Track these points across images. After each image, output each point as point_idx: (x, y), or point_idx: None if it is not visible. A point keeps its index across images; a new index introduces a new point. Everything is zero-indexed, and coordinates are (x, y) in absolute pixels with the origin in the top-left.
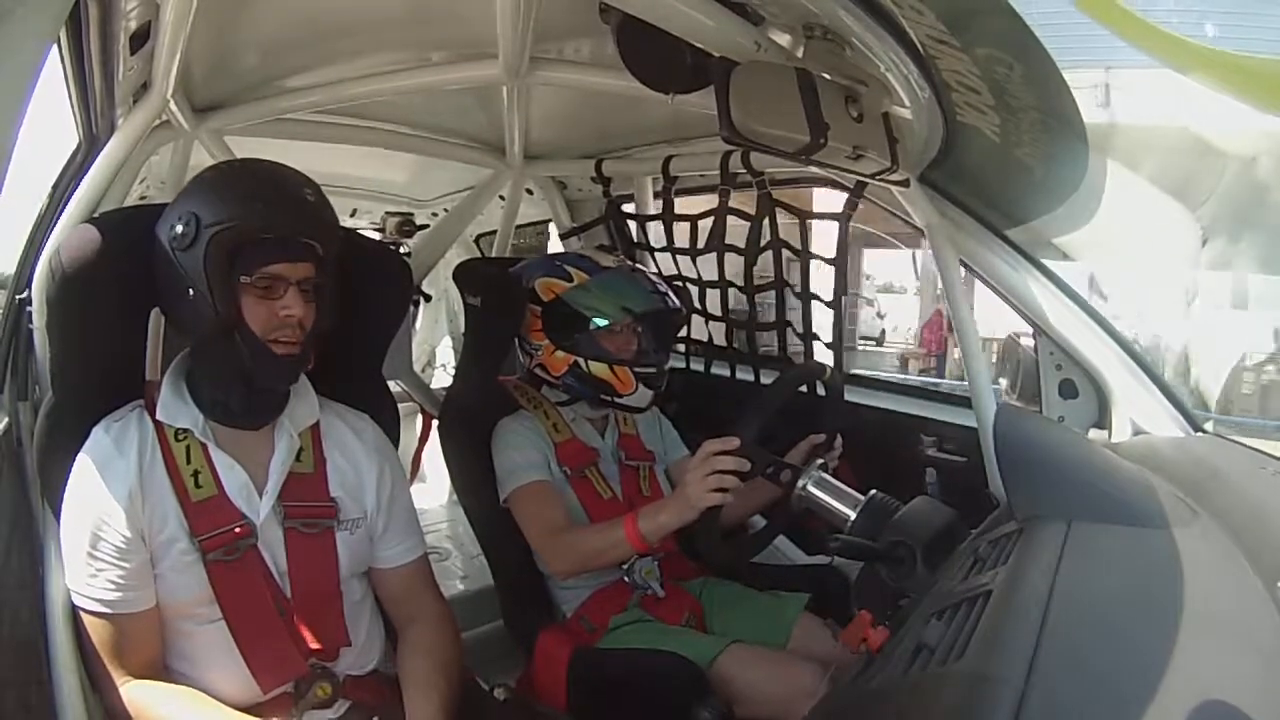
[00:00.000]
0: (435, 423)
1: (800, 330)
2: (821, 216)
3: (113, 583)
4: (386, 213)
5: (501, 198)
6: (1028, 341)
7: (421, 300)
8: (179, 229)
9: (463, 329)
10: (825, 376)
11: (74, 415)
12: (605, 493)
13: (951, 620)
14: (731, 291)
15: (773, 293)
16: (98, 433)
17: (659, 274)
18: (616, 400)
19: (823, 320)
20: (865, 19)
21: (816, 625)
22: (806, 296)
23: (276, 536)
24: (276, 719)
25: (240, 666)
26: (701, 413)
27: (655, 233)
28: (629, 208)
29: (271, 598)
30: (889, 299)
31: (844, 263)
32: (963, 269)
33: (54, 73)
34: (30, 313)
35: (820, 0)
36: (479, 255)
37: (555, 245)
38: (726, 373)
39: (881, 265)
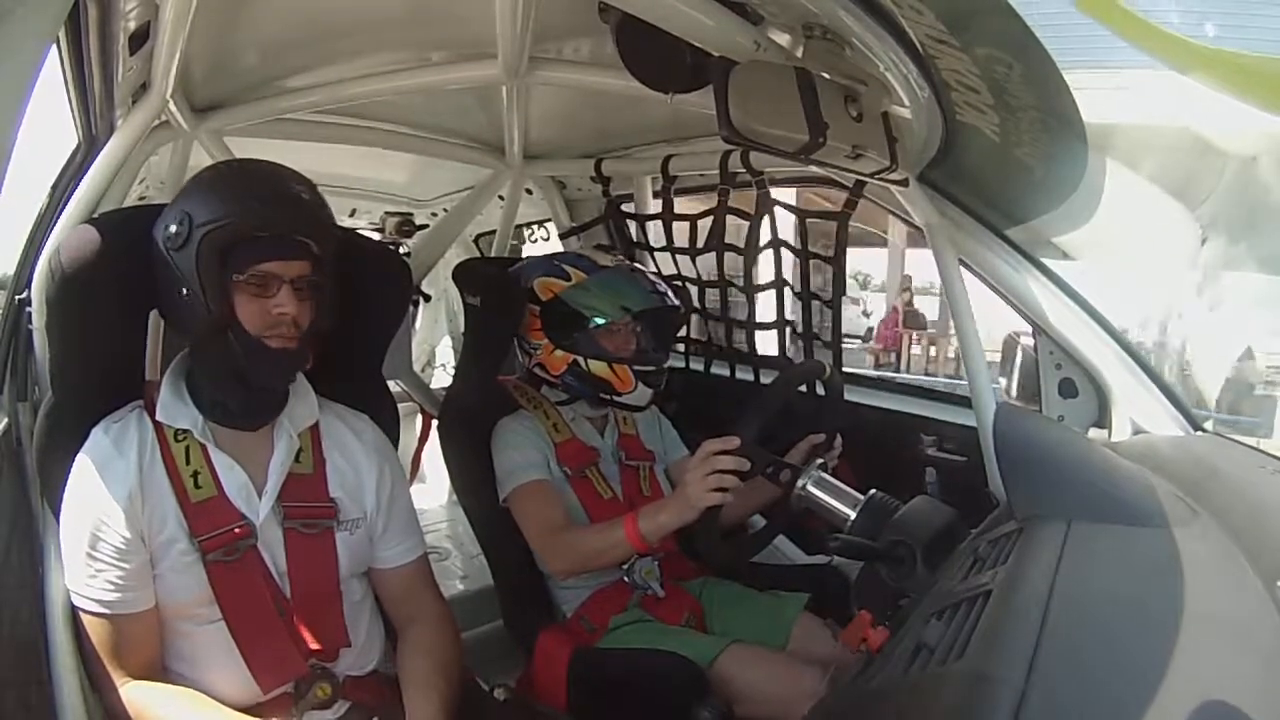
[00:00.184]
0: (435, 423)
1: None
2: (822, 216)
3: (112, 583)
4: (386, 213)
5: (501, 198)
6: (1028, 341)
7: (421, 300)
8: (172, 229)
9: (462, 329)
10: (825, 376)
11: (74, 415)
12: (605, 492)
13: (951, 620)
14: (731, 291)
15: (772, 292)
16: (97, 433)
17: (658, 273)
18: (616, 399)
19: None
20: (865, 19)
21: (816, 625)
22: (806, 296)
23: (276, 537)
24: (276, 719)
25: (240, 667)
26: (701, 413)
27: (655, 232)
28: (628, 207)
29: (271, 598)
30: (879, 298)
31: (843, 262)
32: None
33: (54, 73)
34: (30, 313)
35: (820, 0)
36: (478, 255)
37: (530, 249)
38: (726, 373)
39: (873, 264)
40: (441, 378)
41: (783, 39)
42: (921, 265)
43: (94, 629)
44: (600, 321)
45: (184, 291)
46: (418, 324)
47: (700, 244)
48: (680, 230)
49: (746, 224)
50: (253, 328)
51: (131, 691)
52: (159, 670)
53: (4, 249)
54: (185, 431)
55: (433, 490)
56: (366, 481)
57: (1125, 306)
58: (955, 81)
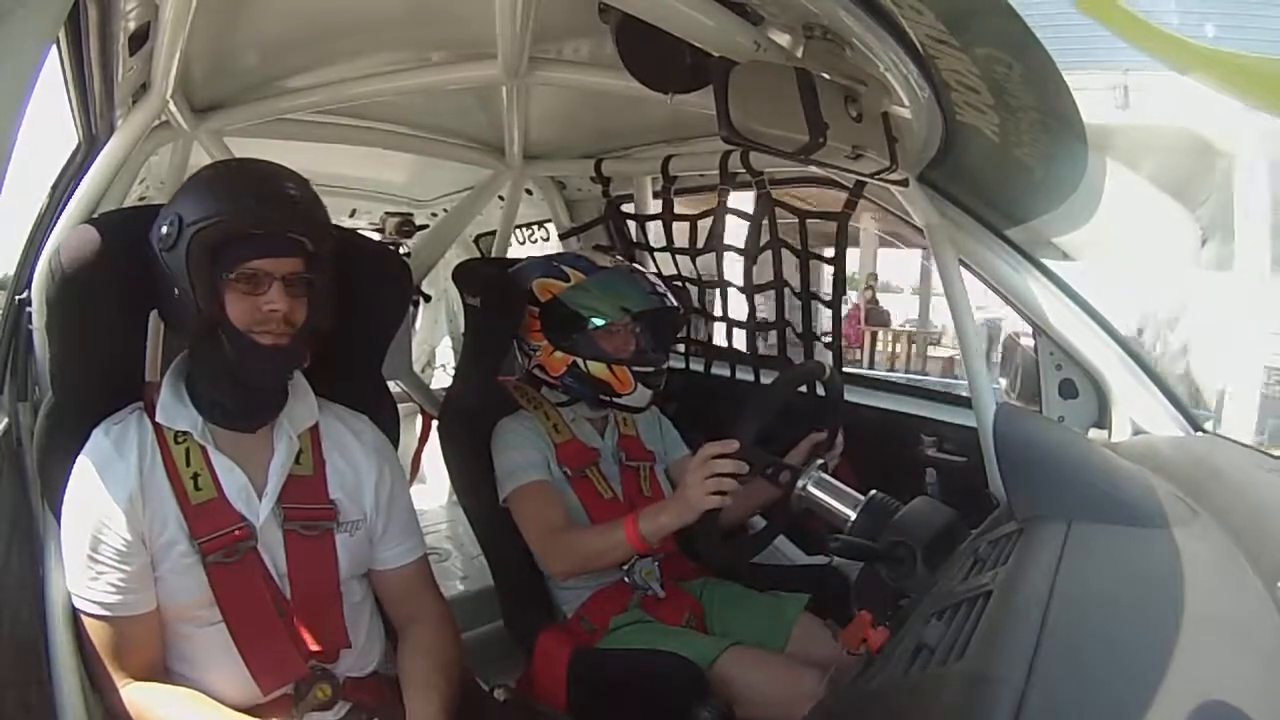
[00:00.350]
0: (435, 423)
1: (800, 330)
2: (823, 216)
3: (113, 585)
4: (386, 213)
5: (501, 198)
6: (1028, 341)
7: (421, 300)
8: (164, 229)
9: (462, 329)
10: (824, 376)
11: (74, 416)
12: (606, 492)
13: (951, 620)
14: (731, 291)
15: (772, 292)
16: (97, 435)
17: (658, 274)
18: (615, 400)
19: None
20: (865, 19)
21: (816, 625)
22: (806, 296)
23: (276, 539)
24: None
25: (240, 668)
26: (701, 413)
27: (655, 232)
28: (628, 208)
29: (271, 600)
30: (885, 298)
31: (843, 262)
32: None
33: (54, 73)
34: (30, 313)
35: (820, 0)
36: (479, 255)
37: (516, 251)
38: (726, 373)
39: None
40: (441, 378)
41: (783, 39)
42: (892, 265)
43: (95, 631)
44: (599, 322)
45: (176, 291)
46: (418, 324)
47: (700, 244)
48: (680, 230)
49: (746, 224)
50: (242, 324)
51: (133, 692)
52: (160, 671)
53: (4, 249)
54: (185, 433)
55: (433, 490)
56: (366, 483)
57: (1126, 307)
58: (955, 81)
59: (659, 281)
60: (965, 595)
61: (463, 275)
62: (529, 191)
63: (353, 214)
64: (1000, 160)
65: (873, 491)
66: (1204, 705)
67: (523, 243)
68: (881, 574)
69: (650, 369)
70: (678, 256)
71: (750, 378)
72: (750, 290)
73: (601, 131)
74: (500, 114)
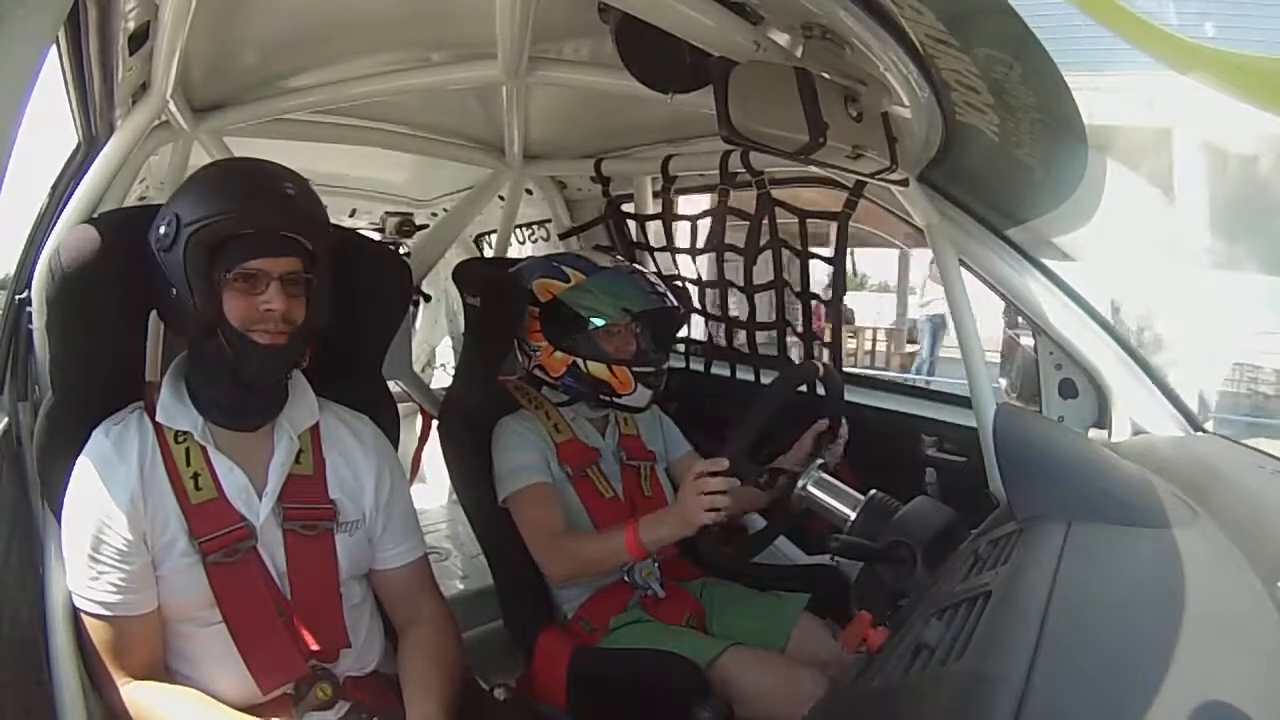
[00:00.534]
0: (435, 423)
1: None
2: (824, 216)
3: (114, 585)
4: (386, 213)
5: (501, 198)
6: (1028, 341)
7: (421, 300)
8: (162, 229)
9: (462, 329)
10: (820, 376)
11: (74, 416)
12: (607, 492)
13: (951, 620)
14: (731, 291)
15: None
16: (98, 435)
17: (658, 274)
18: (615, 400)
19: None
20: (865, 19)
21: (816, 625)
22: (806, 296)
23: (276, 538)
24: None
25: (240, 668)
26: (701, 413)
27: (655, 232)
28: (629, 208)
29: (271, 599)
30: (876, 298)
31: (843, 262)
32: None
33: (54, 73)
34: (30, 313)
35: (820, 0)
36: (479, 255)
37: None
38: (726, 373)
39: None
40: (441, 378)
41: (782, 39)
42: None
43: (96, 630)
44: (599, 322)
45: (174, 291)
46: (418, 324)
47: (700, 244)
48: (681, 230)
49: (747, 224)
50: (240, 324)
51: (133, 692)
52: (160, 670)
53: (4, 249)
54: (185, 433)
55: (433, 490)
56: (366, 483)
57: (1128, 307)
58: (955, 81)
59: (659, 281)
60: (965, 595)
61: (463, 275)
62: (529, 191)
63: (353, 214)
64: (1000, 160)
65: (873, 491)
66: (1204, 705)
67: (523, 243)
68: (881, 574)
69: (650, 369)
70: (678, 256)
71: (750, 377)
72: (750, 290)
73: (601, 131)
74: (500, 114)
